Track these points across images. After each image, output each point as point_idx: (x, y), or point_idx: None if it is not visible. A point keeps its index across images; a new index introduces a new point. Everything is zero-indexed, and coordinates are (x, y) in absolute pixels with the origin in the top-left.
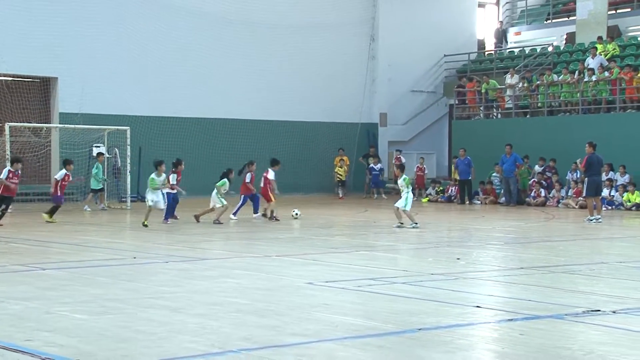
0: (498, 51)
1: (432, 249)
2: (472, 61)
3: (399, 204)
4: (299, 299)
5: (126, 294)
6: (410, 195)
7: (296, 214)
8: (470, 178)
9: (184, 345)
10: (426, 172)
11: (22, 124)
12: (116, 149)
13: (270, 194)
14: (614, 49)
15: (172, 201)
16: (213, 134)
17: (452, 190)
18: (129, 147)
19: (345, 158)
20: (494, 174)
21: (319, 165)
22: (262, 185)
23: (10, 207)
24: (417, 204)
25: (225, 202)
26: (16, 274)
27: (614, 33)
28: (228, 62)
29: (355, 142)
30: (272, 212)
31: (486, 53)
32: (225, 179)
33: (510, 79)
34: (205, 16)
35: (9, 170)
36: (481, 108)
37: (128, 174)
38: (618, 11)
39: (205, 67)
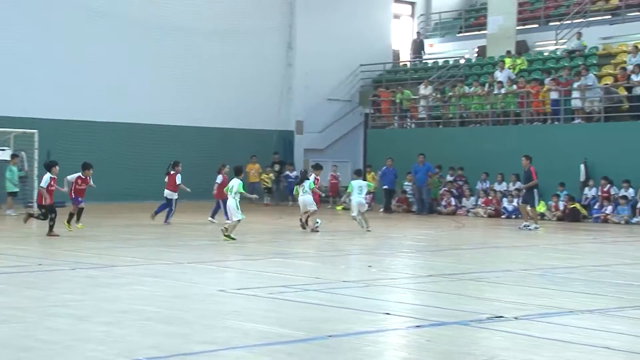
0: (413, 62)
1: (344, 256)
2: (387, 71)
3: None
4: (209, 307)
5: (29, 302)
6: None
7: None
8: (394, 188)
9: (88, 354)
10: (340, 179)
11: None
12: (23, 153)
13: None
14: (521, 63)
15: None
16: (127, 139)
17: (366, 198)
18: (36, 151)
19: (256, 166)
20: (406, 183)
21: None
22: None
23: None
24: (331, 212)
25: (242, 216)
26: None
27: (522, 48)
28: (143, 66)
29: (271, 149)
30: (307, 219)
31: (401, 63)
32: (240, 180)
33: (423, 90)
34: (120, 18)
35: (50, 177)
36: (395, 117)
37: (35, 178)
38: (526, 26)
39: (120, 70)
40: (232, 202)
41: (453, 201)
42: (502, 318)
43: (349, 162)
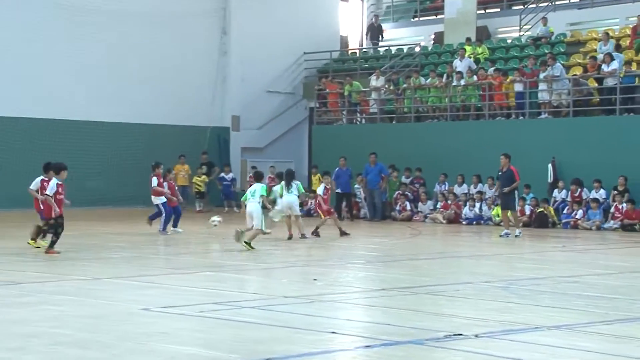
0: (369, 50)
1: (287, 268)
2: (334, 60)
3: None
4: (131, 328)
5: None
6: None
7: (215, 223)
8: (350, 191)
9: None
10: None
11: None
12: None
13: (319, 210)
14: (482, 52)
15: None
16: (36, 136)
17: (311, 203)
18: None
19: (186, 167)
20: (356, 186)
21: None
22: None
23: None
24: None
25: (266, 230)
26: None
27: (482, 34)
28: (57, 54)
29: (204, 148)
30: (317, 227)
31: (350, 52)
32: (263, 185)
33: (375, 81)
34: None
35: (57, 183)
36: (344, 112)
37: None
38: (487, 11)
39: (34, 59)
40: (257, 208)
41: (408, 206)
42: (461, 336)
43: (292, 162)
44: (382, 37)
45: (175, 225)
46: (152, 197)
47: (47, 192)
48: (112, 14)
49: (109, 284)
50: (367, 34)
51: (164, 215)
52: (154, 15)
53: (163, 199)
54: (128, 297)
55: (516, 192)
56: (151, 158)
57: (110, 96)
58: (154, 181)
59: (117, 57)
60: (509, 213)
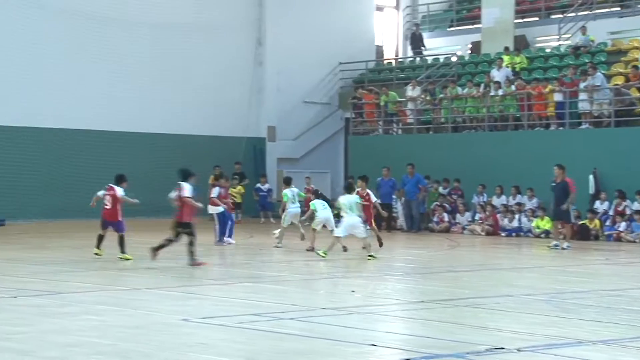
0: (398, 59)
1: (324, 280)
2: (370, 70)
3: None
4: (171, 338)
5: None
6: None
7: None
8: (392, 202)
9: None
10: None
11: None
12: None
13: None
14: (520, 62)
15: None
16: (74, 148)
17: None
18: None
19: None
20: (393, 196)
21: (199, 185)
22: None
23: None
24: (306, 229)
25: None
26: None
27: (521, 44)
28: (93, 66)
29: (240, 159)
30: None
31: (385, 61)
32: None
33: (411, 91)
34: (68, 13)
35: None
36: (380, 122)
37: None
38: (525, 20)
39: (67, 71)
40: (354, 219)
41: (446, 217)
42: (503, 350)
43: (328, 173)
44: (424, 46)
45: (229, 235)
46: (209, 206)
47: (186, 194)
48: (150, 26)
49: (149, 294)
50: (409, 44)
51: (218, 226)
52: (190, 27)
53: (220, 209)
54: (167, 308)
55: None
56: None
57: (148, 107)
58: (215, 191)
59: (155, 69)
60: (561, 225)
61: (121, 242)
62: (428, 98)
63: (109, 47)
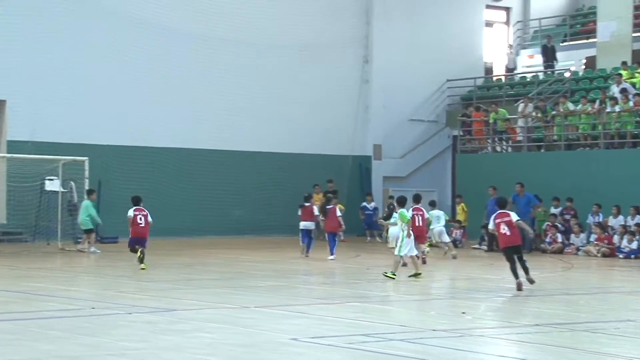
0: (508, 76)
1: (433, 300)
2: (478, 87)
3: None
4: (281, 357)
5: (83, 350)
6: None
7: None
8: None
9: None
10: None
11: None
12: (72, 183)
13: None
14: None
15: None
16: (183, 167)
17: (456, 233)
18: (87, 180)
19: (321, 196)
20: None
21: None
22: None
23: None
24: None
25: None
26: None
27: (639, 58)
28: (202, 86)
29: (346, 177)
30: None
31: (495, 78)
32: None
33: (522, 108)
34: (176, 33)
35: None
36: (489, 140)
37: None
38: None
39: (176, 91)
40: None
41: (560, 237)
42: None
43: (435, 192)
44: (556, 59)
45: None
46: (307, 223)
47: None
48: (257, 47)
49: (258, 312)
50: (542, 56)
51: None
52: (297, 46)
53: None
54: (277, 327)
55: None
56: (293, 187)
57: (254, 126)
58: (338, 211)
59: (262, 89)
60: None
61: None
62: (539, 115)
63: (219, 68)
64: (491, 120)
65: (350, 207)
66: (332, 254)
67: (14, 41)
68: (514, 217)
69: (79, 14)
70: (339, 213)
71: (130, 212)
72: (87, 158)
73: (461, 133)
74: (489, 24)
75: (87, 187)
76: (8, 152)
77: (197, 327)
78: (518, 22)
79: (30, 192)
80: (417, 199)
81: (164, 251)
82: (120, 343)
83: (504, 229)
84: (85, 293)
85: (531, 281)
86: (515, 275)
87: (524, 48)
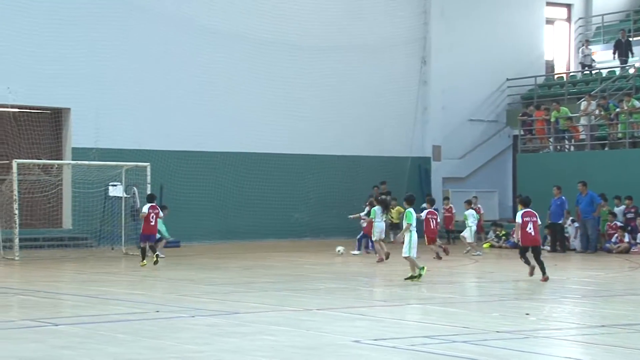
0: (570, 74)
1: (496, 302)
2: (539, 85)
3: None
4: None
5: (148, 352)
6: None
7: (340, 252)
8: (561, 222)
9: None
10: (482, 212)
11: (31, 160)
12: (135, 188)
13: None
14: None
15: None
16: (244, 170)
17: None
18: (149, 185)
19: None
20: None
21: (363, 205)
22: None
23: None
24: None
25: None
26: (26, 330)
27: None
28: (260, 90)
29: (405, 178)
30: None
31: (556, 76)
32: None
33: (585, 106)
34: (234, 38)
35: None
36: (551, 139)
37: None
38: None
39: (235, 95)
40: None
41: (627, 237)
42: None
43: (495, 192)
44: (632, 53)
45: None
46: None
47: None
48: (315, 49)
49: (319, 315)
50: (613, 52)
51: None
52: (354, 48)
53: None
54: (339, 329)
55: None
56: (351, 190)
57: (312, 129)
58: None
59: (320, 91)
60: None
61: (153, 248)
62: (603, 113)
63: (278, 73)
64: (553, 119)
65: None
66: (358, 250)
67: (78, 50)
68: (538, 219)
69: (142, 22)
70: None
71: (145, 209)
72: (149, 163)
73: (522, 132)
74: (549, 22)
75: (148, 192)
76: (73, 159)
77: (260, 329)
78: (579, 18)
79: (94, 198)
80: (431, 202)
81: (225, 254)
82: (184, 346)
83: (530, 229)
84: (149, 297)
85: (547, 280)
86: (528, 262)
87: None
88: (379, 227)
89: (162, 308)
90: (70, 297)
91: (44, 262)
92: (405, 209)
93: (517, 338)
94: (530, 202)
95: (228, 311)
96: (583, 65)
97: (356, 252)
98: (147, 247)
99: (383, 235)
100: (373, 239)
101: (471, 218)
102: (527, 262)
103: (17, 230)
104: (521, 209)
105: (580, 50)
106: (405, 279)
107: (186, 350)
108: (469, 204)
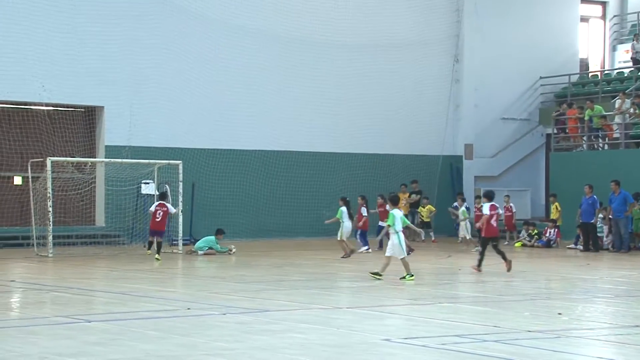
0: (605, 72)
1: (527, 301)
2: (573, 84)
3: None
4: (374, 358)
5: (180, 350)
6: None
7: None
8: (593, 221)
9: None
10: (514, 211)
11: (64, 158)
12: (167, 186)
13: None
14: None
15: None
16: (275, 168)
17: (550, 233)
18: (181, 183)
19: (406, 195)
20: (600, 216)
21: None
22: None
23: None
24: (508, 249)
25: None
26: (59, 326)
27: None
28: (293, 87)
29: (436, 177)
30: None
31: (590, 74)
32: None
33: (619, 104)
34: (267, 37)
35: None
36: (584, 138)
37: (180, 214)
38: None
39: (267, 93)
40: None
41: None
42: None
43: (528, 191)
44: None
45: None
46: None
47: (485, 212)
48: (348, 47)
49: (349, 313)
50: None
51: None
52: (386, 47)
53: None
54: (369, 327)
55: None
56: (382, 188)
57: (344, 127)
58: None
59: (353, 89)
60: None
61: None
62: (637, 111)
63: (310, 71)
64: (586, 117)
65: (441, 208)
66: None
67: (110, 49)
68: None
69: (174, 20)
70: (364, 212)
71: (152, 207)
72: (180, 161)
73: (555, 131)
74: (584, 19)
75: (181, 191)
76: (106, 157)
77: (290, 327)
78: (615, 16)
79: (127, 196)
80: (415, 205)
81: (256, 252)
82: (215, 343)
83: (494, 221)
84: (180, 294)
85: (510, 265)
86: (504, 257)
87: (621, 43)
88: (347, 227)
89: (193, 305)
90: (103, 294)
91: (76, 259)
92: (390, 211)
93: (549, 338)
94: (494, 196)
95: (258, 309)
96: (635, 61)
97: (363, 249)
98: (155, 242)
99: (349, 235)
100: (338, 238)
101: (465, 214)
102: (482, 255)
103: (50, 228)
104: (486, 202)
105: (631, 45)
106: (400, 278)
107: (217, 348)
108: (462, 200)
